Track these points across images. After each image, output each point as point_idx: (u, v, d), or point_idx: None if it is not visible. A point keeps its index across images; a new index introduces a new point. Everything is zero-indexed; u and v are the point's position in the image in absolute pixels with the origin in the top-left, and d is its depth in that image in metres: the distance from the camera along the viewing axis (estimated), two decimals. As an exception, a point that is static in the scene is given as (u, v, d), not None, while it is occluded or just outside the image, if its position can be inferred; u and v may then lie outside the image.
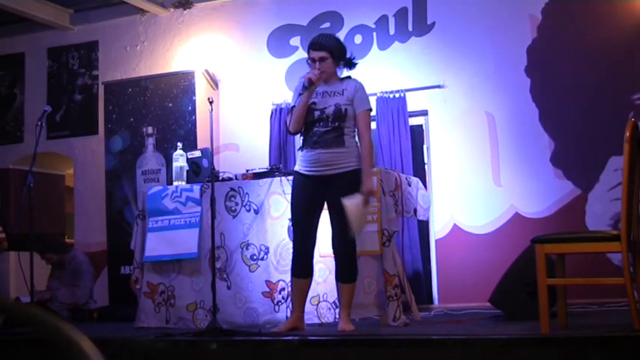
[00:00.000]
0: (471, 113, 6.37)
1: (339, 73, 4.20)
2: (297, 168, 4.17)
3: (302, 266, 4.16)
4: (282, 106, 6.70)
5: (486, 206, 6.23)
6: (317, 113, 4.05)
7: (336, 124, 4.02)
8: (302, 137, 4.17)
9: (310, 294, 4.46)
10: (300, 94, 4.05)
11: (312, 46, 4.12)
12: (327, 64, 4.07)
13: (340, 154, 4.01)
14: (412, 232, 6.16)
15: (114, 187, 7.06)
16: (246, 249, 4.78)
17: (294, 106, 4.12)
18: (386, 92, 6.51)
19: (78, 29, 7.86)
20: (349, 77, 4.21)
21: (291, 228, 4.30)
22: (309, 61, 4.14)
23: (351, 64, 4.22)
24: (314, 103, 4.07)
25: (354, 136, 4.10)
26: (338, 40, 4.22)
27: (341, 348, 3.50)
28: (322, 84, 4.11)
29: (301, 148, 4.16)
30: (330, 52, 4.08)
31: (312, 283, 4.39)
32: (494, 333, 3.67)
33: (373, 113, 6.45)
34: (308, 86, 4.01)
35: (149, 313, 4.96)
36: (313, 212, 4.12)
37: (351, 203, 3.93)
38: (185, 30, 7.45)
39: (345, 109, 4.03)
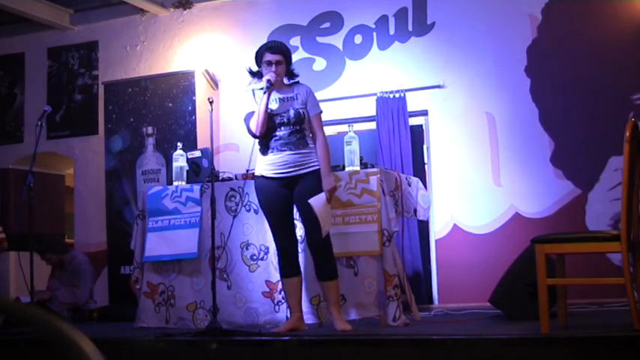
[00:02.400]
0: (471, 113, 6.37)
1: (284, 81, 4.30)
2: (260, 172, 4.23)
3: (288, 266, 4.24)
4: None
5: (486, 206, 6.23)
6: (277, 118, 4.16)
7: (298, 127, 4.14)
8: (262, 143, 4.22)
9: (310, 293, 4.47)
10: (265, 92, 4.13)
11: (271, 49, 4.23)
12: (282, 69, 4.21)
13: (306, 154, 4.13)
14: (412, 232, 6.16)
15: (114, 187, 7.05)
16: (246, 249, 4.79)
17: (252, 112, 4.21)
18: (386, 92, 6.51)
19: (78, 29, 7.87)
20: (297, 82, 4.31)
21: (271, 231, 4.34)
22: (263, 64, 4.21)
23: (292, 75, 4.32)
24: (271, 109, 4.17)
25: (312, 137, 4.21)
26: (289, 47, 4.38)
27: (341, 348, 3.50)
28: (275, 90, 4.20)
29: (264, 153, 4.20)
30: (285, 57, 4.24)
31: (313, 282, 4.39)
32: (494, 333, 3.68)
33: (372, 113, 6.53)
34: (270, 87, 4.13)
35: (149, 313, 4.96)
36: (286, 212, 4.22)
37: (317, 202, 4.02)
38: (185, 30, 7.45)
39: (303, 112, 4.17)
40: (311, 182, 4.09)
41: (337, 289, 4.17)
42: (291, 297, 4.23)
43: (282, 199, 4.17)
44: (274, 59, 4.18)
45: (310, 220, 4.07)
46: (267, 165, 4.18)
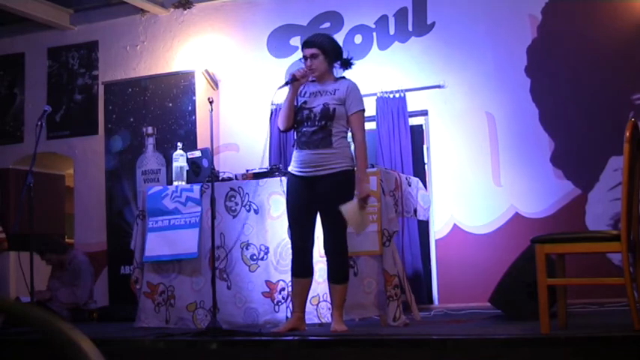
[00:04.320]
0: (471, 113, 6.37)
1: (335, 74, 4.20)
2: (290, 168, 4.19)
3: (301, 266, 4.17)
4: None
5: (486, 206, 6.23)
6: (305, 112, 4.07)
7: (323, 122, 4.01)
8: (295, 137, 4.19)
9: (310, 294, 4.46)
10: (281, 87, 4.09)
11: (304, 44, 4.16)
12: (319, 62, 4.08)
13: (328, 155, 4.01)
14: (412, 232, 6.16)
15: (114, 187, 7.05)
16: (246, 249, 4.79)
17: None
18: (386, 92, 6.51)
19: (78, 29, 7.87)
20: (343, 77, 4.20)
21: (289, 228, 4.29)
22: (302, 60, 4.17)
23: (347, 64, 4.21)
24: (305, 102, 4.10)
25: (345, 137, 4.09)
26: (332, 39, 4.23)
27: (341, 348, 3.50)
28: (316, 84, 4.14)
29: (294, 148, 4.18)
30: (321, 49, 4.09)
31: (313, 283, 4.39)
32: (494, 333, 3.67)
33: (372, 113, 6.52)
34: (290, 81, 4.06)
35: (149, 313, 4.96)
36: (308, 212, 4.13)
37: (348, 209, 3.93)
38: (185, 30, 7.45)
39: (334, 109, 4.02)
40: (331, 184, 3.98)
41: (344, 293, 4.14)
42: (297, 296, 4.19)
43: (302, 197, 4.09)
44: (308, 53, 4.09)
45: (328, 222, 4.01)
46: (294, 162, 4.13)
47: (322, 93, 4.09)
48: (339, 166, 4.02)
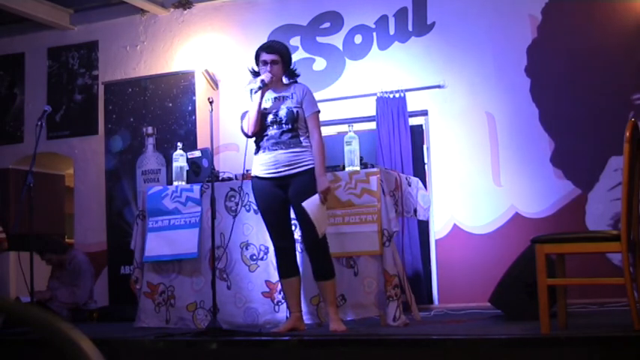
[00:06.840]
0: (471, 113, 6.37)
1: (283, 80, 4.30)
2: (254, 173, 4.24)
3: (286, 266, 4.24)
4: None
5: (486, 206, 6.23)
6: (270, 117, 4.16)
7: (290, 125, 4.12)
8: (255, 143, 4.24)
9: (310, 294, 4.47)
10: (255, 92, 4.17)
11: (266, 49, 4.24)
12: (277, 68, 4.21)
13: (298, 153, 4.11)
14: (412, 232, 6.16)
15: (114, 187, 7.05)
16: (246, 249, 4.79)
17: (247, 112, 4.23)
18: (386, 92, 6.51)
19: (78, 29, 7.87)
20: (295, 82, 4.31)
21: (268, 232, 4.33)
22: (260, 63, 4.24)
23: (293, 75, 4.32)
24: (265, 108, 4.19)
25: (308, 137, 4.18)
26: (288, 47, 4.37)
27: (341, 348, 3.50)
28: (271, 89, 4.22)
29: (257, 153, 4.23)
30: (280, 56, 4.22)
31: (312, 282, 4.39)
32: (494, 333, 3.67)
33: (372, 113, 6.52)
34: (263, 87, 4.15)
35: (149, 313, 4.96)
36: (282, 212, 4.20)
37: (310, 205, 4.00)
38: (185, 30, 7.45)
39: (297, 112, 4.14)
40: (305, 181, 4.07)
41: (334, 289, 4.16)
42: (290, 297, 4.23)
43: (276, 199, 4.16)
44: (269, 59, 4.19)
45: (305, 220, 4.05)
46: (260, 165, 4.19)
47: (281, 98, 4.20)
48: (308, 163, 4.10)
